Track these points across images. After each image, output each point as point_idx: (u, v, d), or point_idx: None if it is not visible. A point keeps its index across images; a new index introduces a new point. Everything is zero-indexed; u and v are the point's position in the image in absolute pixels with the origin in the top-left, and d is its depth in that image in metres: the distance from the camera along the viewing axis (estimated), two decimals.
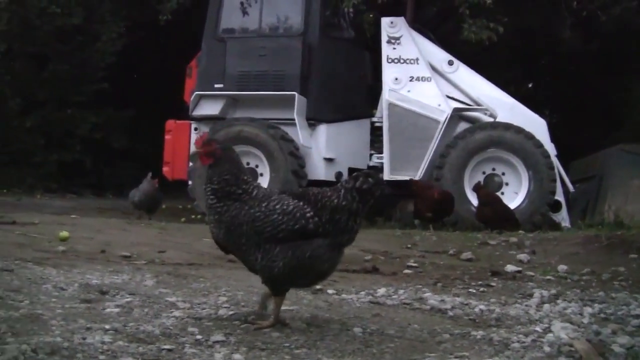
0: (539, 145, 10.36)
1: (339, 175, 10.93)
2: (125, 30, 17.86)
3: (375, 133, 11.39)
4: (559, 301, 4.68)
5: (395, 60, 10.89)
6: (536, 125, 10.76)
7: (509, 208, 9.81)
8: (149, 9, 15.66)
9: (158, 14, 14.46)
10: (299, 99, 10.62)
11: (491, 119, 10.78)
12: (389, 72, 10.92)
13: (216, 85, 11.16)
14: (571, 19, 14.77)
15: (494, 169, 10.58)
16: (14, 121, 17.65)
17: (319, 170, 10.89)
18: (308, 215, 3.58)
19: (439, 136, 10.57)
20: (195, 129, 11.27)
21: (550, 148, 10.56)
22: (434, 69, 10.95)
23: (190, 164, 10.92)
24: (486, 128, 10.59)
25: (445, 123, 10.61)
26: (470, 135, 10.54)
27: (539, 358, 3.23)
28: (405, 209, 10.78)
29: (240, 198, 3.59)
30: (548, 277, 5.80)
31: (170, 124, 11.56)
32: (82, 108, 17.98)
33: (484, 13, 12.15)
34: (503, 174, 10.54)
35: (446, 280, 5.54)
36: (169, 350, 3.16)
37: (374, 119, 11.55)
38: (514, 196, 10.35)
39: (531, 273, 6.00)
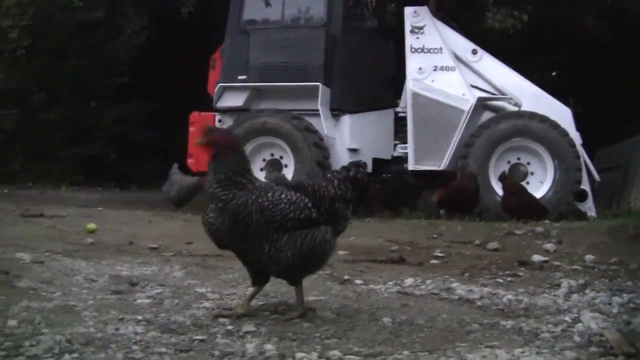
0: (565, 134, 10.28)
1: (363, 165, 10.90)
2: (148, 24, 17.90)
3: (399, 123, 11.35)
4: (587, 291, 4.64)
5: (419, 50, 10.83)
6: (561, 114, 10.67)
7: (534, 197, 9.75)
8: (171, 1, 15.68)
9: (180, 7, 14.49)
10: (322, 90, 10.61)
11: (516, 108, 10.70)
12: (412, 62, 10.87)
13: (240, 77, 11.15)
14: (596, 6, 14.64)
15: (519, 159, 10.50)
16: (38, 115, 17.79)
17: (343, 161, 10.82)
18: (309, 205, 3.64)
19: (464, 126, 10.51)
20: (219, 121, 11.27)
21: (575, 137, 10.46)
22: (457, 58, 10.88)
23: None
24: (511, 117, 10.52)
25: (470, 112, 10.54)
26: (495, 124, 10.47)
27: (570, 348, 3.22)
28: (429, 199, 10.75)
29: (246, 187, 3.58)
30: (575, 266, 5.77)
31: (194, 116, 11.58)
32: (105, 101, 18.06)
33: (508, 1, 12.07)
34: (528, 163, 10.47)
35: (473, 270, 5.52)
36: (201, 340, 3.19)
37: (398, 109, 11.50)
38: (539, 185, 10.28)
39: (558, 263, 5.96)
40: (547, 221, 8.90)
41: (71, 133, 17.83)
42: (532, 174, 10.42)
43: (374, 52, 11.69)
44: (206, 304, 3.93)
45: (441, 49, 10.79)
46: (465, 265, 5.79)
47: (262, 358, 2.99)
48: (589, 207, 10.43)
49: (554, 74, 20.83)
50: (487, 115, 10.83)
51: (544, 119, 10.30)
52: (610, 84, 18.78)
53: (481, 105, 10.80)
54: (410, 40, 10.89)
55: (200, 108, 11.73)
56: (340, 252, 6.16)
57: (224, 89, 11.19)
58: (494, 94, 10.83)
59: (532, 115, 10.38)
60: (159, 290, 4.32)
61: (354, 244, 6.75)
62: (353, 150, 10.86)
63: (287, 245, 3.54)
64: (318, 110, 10.50)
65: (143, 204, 11.83)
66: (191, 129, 11.44)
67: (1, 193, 13.12)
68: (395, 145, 11.36)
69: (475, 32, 12.26)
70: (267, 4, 11.32)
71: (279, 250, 3.54)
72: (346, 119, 10.94)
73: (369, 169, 11.03)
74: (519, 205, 9.40)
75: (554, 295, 4.53)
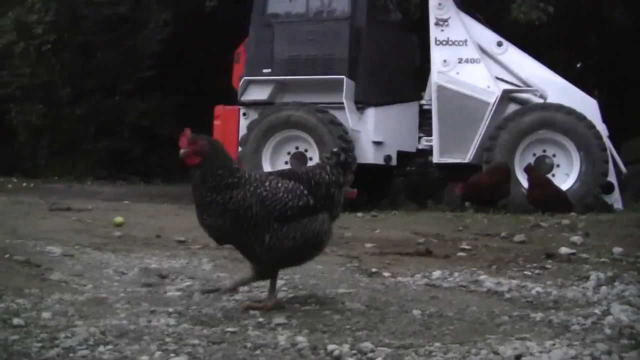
0: (591, 126, 10.21)
1: (387, 158, 10.92)
2: (172, 18, 17.98)
3: (424, 116, 11.32)
4: (616, 283, 4.61)
5: (444, 42, 10.79)
6: (587, 106, 10.60)
7: (561, 190, 9.69)
8: None
9: (204, 1, 14.52)
10: (347, 83, 10.60)
11: (541, 100, 10.64)
12: (437, 55, 10.83)
13: (264, 71, 11.17)
14: None
15: (544, 151, 10.45)
16: (64, 110, 17.96)
17: (367, 154, 10.85)
18: (305, 192, 3.66)
19: (489, 118, 10.47)
20: (244, 114, 11.31)
21: (602, 129, 10.38)
22: (482, 50, 10.83)
23: (240, 149, 10.96)
24: (536, 109, 10.46)
25: (495, 105, 10.50)
26: (521, 116, 10.42)
27: (600, 340, 3.20)
28: (454, 191, 10.72)
29: (239, 184, 3.56)
30: (603, 259, 5.72)
31: (219, 109, 11.61)
32: (129, 96, 18.19)
33: None
34: (554, 155, 10.40)
35: (500, 263, 5.51)
36: (233, 332, 3.22)
37: (423, 102, 11.46)
38: (565, 178, 10.22)
39: (585, 255, 5.92)
40: (573, 213, 8.84)
41: (96, 127, 17.98)
42: (557, 166, 10.37)
43: (398, 45, 11.66)
44: (236, 296, 3.95)
45: (466, 41, 10.74)
46: (492, 257, 5.77)
47: (295, 350, 3.01)
48: (615, 199, 10.36)
49: (579, 65, 20.64)
50: (512, 108, 10.77)
51: (570, 111, 10.24)
52: (637, 75, 18.60)
53: (506, 97, 10.74)
54: (434, 32, 10.86)
55: (225, 102, 11.77)
56: (368, 245, 6.17)
57: (249, 82, 11.21)
58: (520, 86, 10.77)
59: (558, 108, 10.31)
60: (188, 283, 4.35)
61: (380, 236, 6.76)
62: (378, 143, 10.85)
63: (288, 234, 3.57)
64: (343, 103, 10.50)
65: (168, 197, 11.91)
66: (216, 122, 11.48)
67: (28, 187, 13.27)
68: (420, 138, 11.34)
69: (500, 24, 12.19)
70: None
71: (281, 239, 3.56)
72: (371, 112, 10.92)
73: (394, 161, 11.06)
74: (545, 197, 9.35)
75: (583, 288, 4.52)
